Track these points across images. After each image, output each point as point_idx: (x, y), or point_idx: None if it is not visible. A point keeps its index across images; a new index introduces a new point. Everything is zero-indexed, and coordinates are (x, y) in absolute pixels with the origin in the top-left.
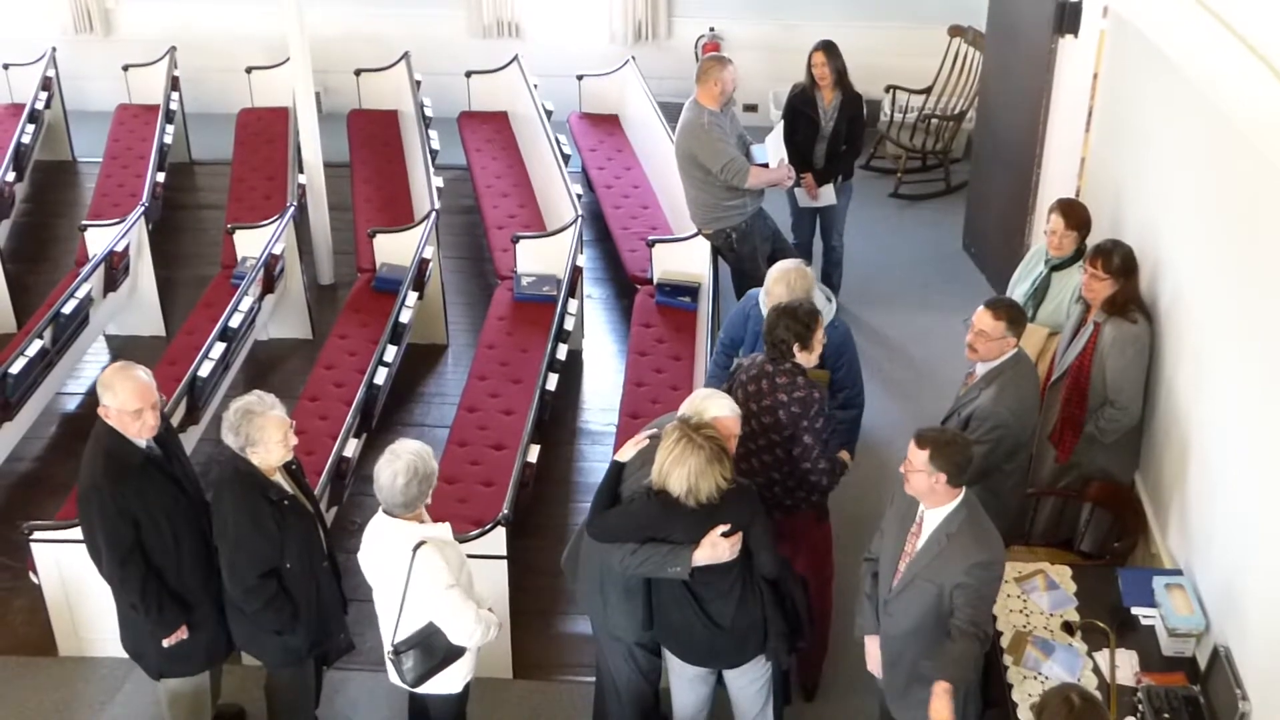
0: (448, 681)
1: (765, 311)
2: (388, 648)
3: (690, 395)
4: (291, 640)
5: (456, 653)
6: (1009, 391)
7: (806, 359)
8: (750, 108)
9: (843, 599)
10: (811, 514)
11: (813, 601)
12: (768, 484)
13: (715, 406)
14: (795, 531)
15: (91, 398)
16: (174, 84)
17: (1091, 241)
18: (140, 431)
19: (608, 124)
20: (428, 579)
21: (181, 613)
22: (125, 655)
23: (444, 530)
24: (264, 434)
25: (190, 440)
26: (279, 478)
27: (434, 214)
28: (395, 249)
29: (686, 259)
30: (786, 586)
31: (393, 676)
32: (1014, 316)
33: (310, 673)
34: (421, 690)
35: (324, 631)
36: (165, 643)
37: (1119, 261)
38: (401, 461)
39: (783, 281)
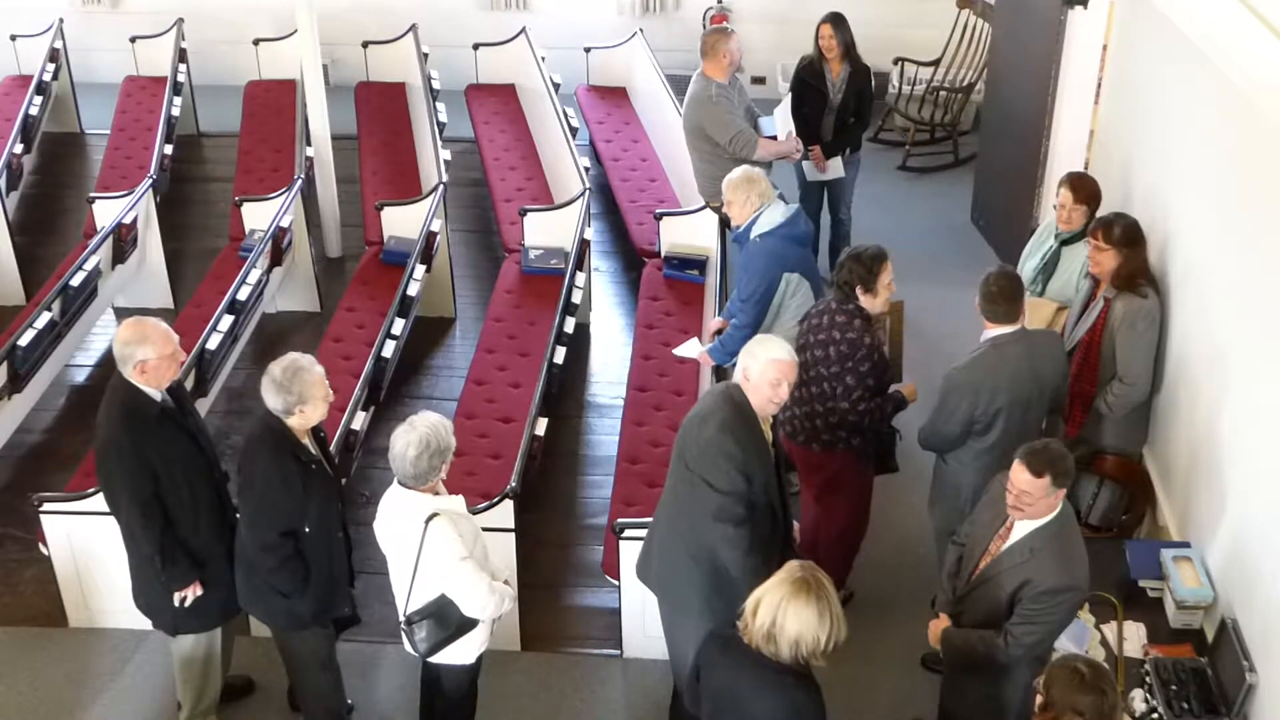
0: (460, 652)
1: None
2: (401, 618)
3: (748, 343)
4: (297, 605)
5: (469, 624)
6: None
7: (871, 303)
8: (758, 80)
9: (891, 569)
10: (849, 454)
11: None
12: (809, 415)
13: (772, 349)
14: (831, 469)
15: (101, 370)
16: (182, 56)
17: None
18: (175, 371)
19: (615, 96)
20: (440, 551)
21: (195, 567)
22: (136, 627)
23: (457, 503)
24: (313, 390)
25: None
26: (307, 441)
27: (442, 187)
28: (403, 222)
29: (694, 232)
30: None
31: (406, 646)
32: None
33: (324, 641)
34: (435, 660)
35: (330, 601)
36: (178, 595)
37: (1119, 232)
38: (416, 434)
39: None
